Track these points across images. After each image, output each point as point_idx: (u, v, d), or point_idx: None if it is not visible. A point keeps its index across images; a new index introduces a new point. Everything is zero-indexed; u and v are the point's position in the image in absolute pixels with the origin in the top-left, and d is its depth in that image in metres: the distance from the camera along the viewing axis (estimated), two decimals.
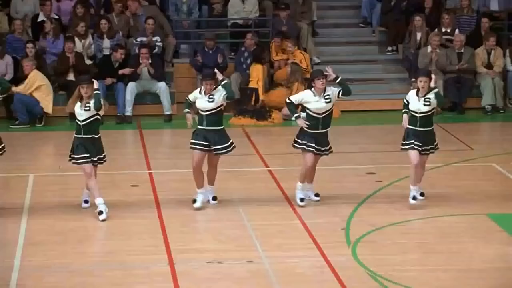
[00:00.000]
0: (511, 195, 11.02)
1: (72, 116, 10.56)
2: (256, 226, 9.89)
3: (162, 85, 15.77)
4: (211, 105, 10.23)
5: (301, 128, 10.44)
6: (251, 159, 12.93)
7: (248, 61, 16.23)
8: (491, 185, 11.44)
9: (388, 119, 15.23)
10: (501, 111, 15.95)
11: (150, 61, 15.71)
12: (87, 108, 10.01)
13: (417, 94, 10.41)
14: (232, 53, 16.99)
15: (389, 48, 17.38)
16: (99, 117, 10.11)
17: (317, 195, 10.70)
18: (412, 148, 10.31)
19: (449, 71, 16.18)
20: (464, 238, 9.49)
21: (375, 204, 10.69)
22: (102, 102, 10.04)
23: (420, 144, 10.33)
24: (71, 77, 15.69)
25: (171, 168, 12.48)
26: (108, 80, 15.71)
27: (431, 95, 10.33)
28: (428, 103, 10.33)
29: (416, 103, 10.39)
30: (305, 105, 10.41)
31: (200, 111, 10.35)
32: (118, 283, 8.35)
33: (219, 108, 10.31)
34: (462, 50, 16.23)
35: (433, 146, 10.50)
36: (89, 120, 10.04)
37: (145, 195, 11.18)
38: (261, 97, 15.65)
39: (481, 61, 16.28)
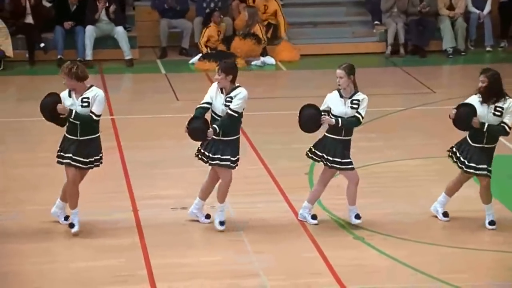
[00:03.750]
0: None
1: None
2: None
3: (120, 29, 15.53)
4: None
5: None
6: None
7: (212, 5, 16.06)
8: (451, 128, 11.54)
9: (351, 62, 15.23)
10: (463, 54, 16.01)
11: (107, 5, 15.46)
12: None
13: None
14: None
15: None
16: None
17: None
18: None
19: (411, 13, 16.16)
20: (423, 181, 9.58)
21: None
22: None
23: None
24: (29, 19, 15.39)
25: (133, 113, 12.39)
26: (67, 24, 15.45)
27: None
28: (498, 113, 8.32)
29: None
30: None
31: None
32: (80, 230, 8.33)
33: None
34: None
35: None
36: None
37: (108, 141, 11.08)
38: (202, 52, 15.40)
39: (443, 3, 16.27)
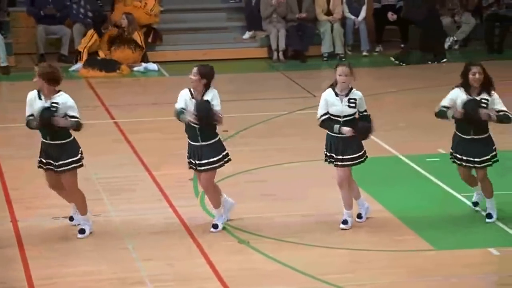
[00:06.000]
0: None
1: None
2: (103, 179, 9.73)
3: None
4: None
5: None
6: (98, 111, 12.71)
7: (89, 14, 15.84)
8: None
9: (233, 68, 15.35)
10: (343, 59, 16.35)
11: None
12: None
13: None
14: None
15: None
16: None
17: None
18: None
19: (290, 19, 16.39)
20: (309, 184, 9.71)
21: None
22: None
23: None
24: None
25: (13, 122, 12.06)
26: None
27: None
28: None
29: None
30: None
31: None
32: None
33: None
34: None
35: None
36: None
37: None
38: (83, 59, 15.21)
39: (321, 8, 16.59)
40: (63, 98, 8.04)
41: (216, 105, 8.20)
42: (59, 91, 8.06)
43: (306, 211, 8.90)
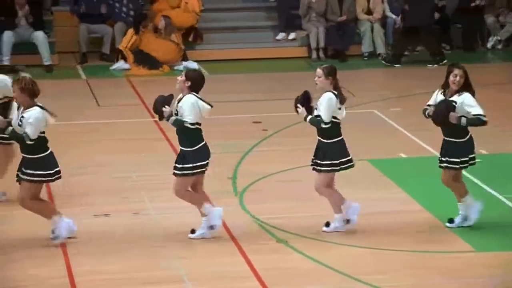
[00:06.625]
0: (391, 140, 11.36)
1: None
2: (143, 177, 9.83)
3: (39, 34, 15.31)
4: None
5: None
6: (138, 110, 12.83)
7: (131, 13, 15.98)
8: (372, 131, 11.75)
9: (272, 67, 15.38)
10: (382, 58, 16.27)
11: (27, 8, 15.22)
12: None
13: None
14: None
15: None
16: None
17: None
18: None
19: (331, 19, 16.36)
20: (344, 184, 9.68)
21: (259, 152, 10.79)
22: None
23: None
24: None
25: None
26: None
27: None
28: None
29: None
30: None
31: None
32: None
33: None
34: None
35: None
36: None
37: None
38: (129, 62, 15.32)
39: (361, 7, 16.54)
40: (29, 113, 7.89)
41: (181, 114, 7.93)
42: (34, 105, 7.94)
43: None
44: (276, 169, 10.09)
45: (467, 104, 8.11)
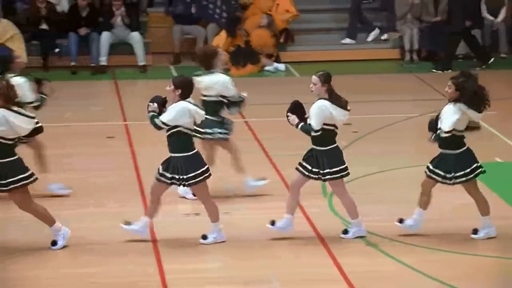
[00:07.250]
0: (487, 144, 11.15)
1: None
2: (234, 177, 9.89)
3: (135, 35, 15.61)
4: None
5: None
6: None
7: (224, 14, 16.09)
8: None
9: (364, 68, 15.27)
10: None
11: (124, 10, 15.54)
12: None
13: None
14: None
15: None
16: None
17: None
18: None
19: (425, 20, 16.12)
20: (438, 186, 9.54)
21: (351, 154, 10.72)
22: None
23: None
24: (44, 26, 15.50)
25: (146, 119, 12.40)
26: (82, 30, 15.54)
27: None
28: None
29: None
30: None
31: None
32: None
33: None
34: None
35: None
36: None
37: (121, 147, 11.15)
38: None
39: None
40: None
41: (166, 114, 7.91)
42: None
43: (433, 215, 8.75)
44: (366, 171, 10.00)
45: (444, 117, 7.99)
